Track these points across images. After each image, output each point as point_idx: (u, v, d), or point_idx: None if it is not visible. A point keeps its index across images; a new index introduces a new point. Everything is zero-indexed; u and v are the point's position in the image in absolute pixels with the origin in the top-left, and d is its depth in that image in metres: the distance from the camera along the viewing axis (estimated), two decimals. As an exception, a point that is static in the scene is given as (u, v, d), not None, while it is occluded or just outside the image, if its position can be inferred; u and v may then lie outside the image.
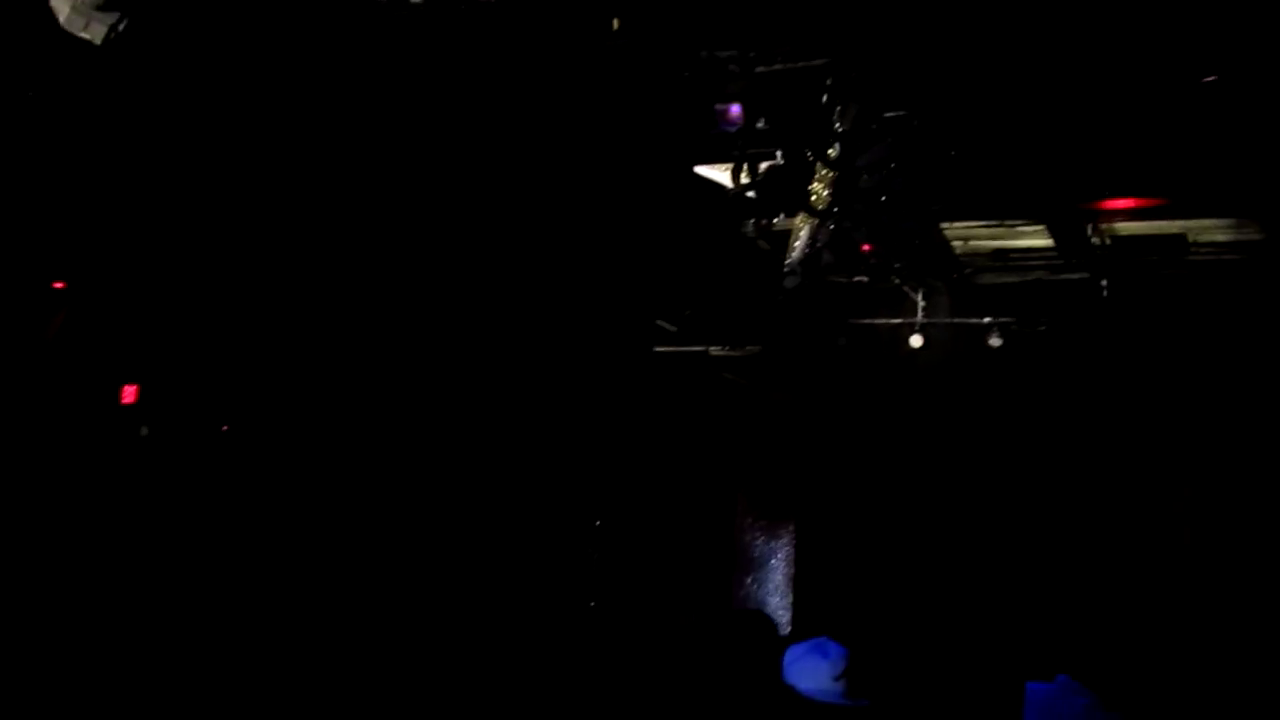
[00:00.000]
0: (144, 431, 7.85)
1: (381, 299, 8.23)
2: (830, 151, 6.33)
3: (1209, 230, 8.43)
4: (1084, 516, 9.38)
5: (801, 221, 6.82)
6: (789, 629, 9.60)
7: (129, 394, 7.74)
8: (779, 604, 10.18)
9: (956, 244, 8.79)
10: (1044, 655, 3.48)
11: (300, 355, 8.09)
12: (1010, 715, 3.04)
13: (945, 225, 8.21)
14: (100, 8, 4.81)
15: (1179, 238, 8.49)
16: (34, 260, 7.02)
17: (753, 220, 7.43)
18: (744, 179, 6.33)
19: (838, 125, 6.32)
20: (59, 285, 7.29)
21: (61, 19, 4.78)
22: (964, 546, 9.35)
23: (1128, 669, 3.44)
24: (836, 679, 3.32)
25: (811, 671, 3.34)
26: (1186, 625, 8.34)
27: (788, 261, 6.91)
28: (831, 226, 6.70)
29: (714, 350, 10.84)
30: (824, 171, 6.38)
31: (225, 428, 8.09)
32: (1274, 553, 8.97)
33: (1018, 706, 3.13)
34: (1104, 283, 8.83)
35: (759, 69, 6.18)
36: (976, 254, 9.06)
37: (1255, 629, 8.62)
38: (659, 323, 10.16)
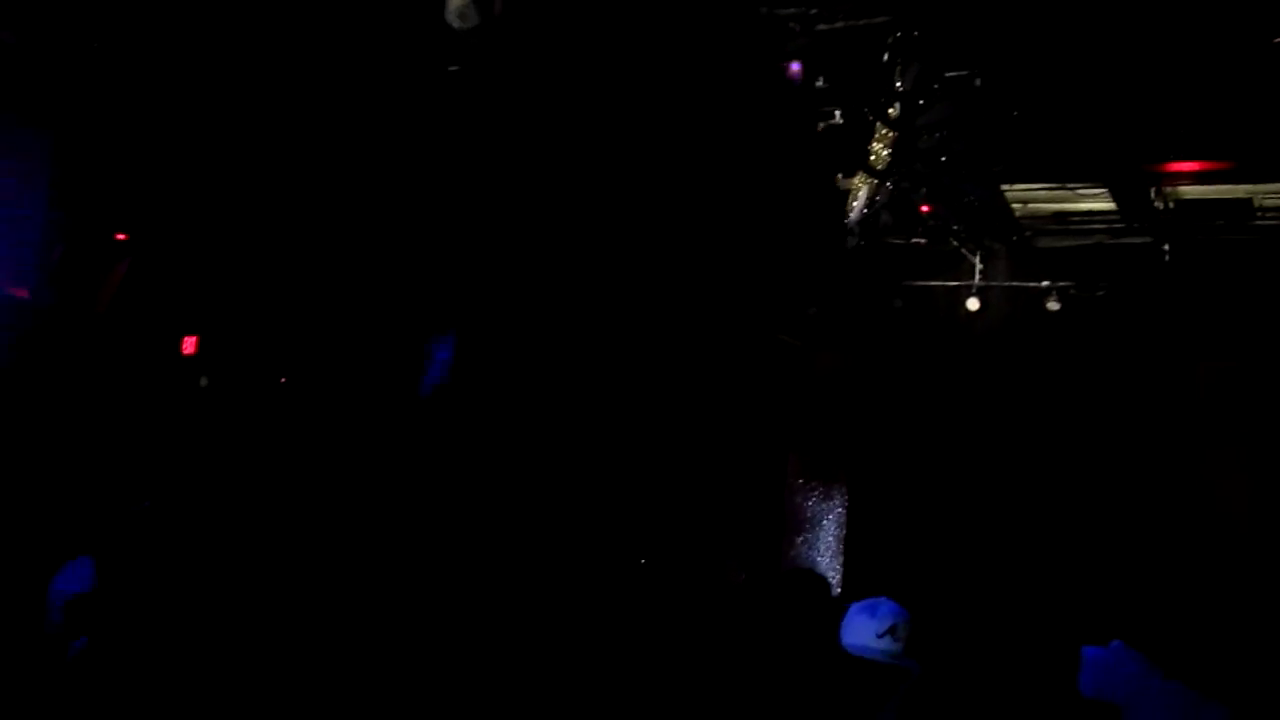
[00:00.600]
0: (204, 382, 7.96)
1: (456, 262, 8.25)
2: (890, 111, 6.27)
3: (1276, 194, 8.28)
4: (1141, 482, 9.29)
5: (860, 182, 6.77)
6: (839, 590, 9.61)
7: (189, 345, 7.85)
8: (829, 565, 10.19)
9: (1016, 206, 8.69)
10: (1099, 620, 3.46)
11: (363, 310, 8.16)
12: (1065, 679, 3.04)
13: (1006, 187, 8.11)
14: None
15: (1244, 202, 8.34)
16: (97, 211, 7.12)
17: (811, 179, 7.39)
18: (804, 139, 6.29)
19: (898, 84, 6.26)
20: (121, 237, 7.39)
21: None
22: (1018, 511, 9.28)
23: (1183, 636, 3.43)
24: (880, 636, 3.35)
25: (859, 628, 3.37)
26: (1244, 593, 8.25)
27: (847, 222, 6.86)
28: (890, 187, 6.65)
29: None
30: (884, 131, 6.32)
31: (284, 379, 8.19)
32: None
33: (1073, 670, 3.12)
34: (1166, 247, 8.70)
35: (820, 27, 6.12)
36: (1036, 217, 8.96)
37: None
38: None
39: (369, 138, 7.20)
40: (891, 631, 3.29)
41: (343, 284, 8.08)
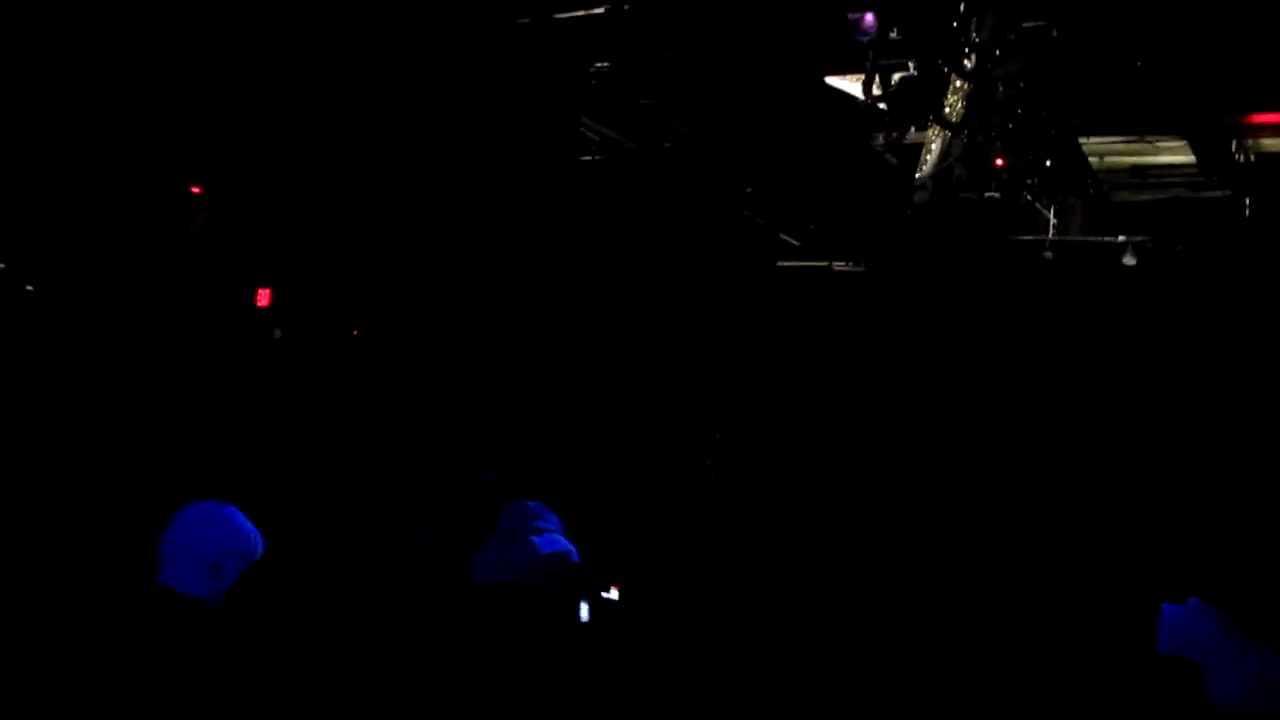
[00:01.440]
0: (277, 334, 8.09)
1: (499, 220, 8.29)
2: (966, 63, 6.19)
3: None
4: (1221, 436, 9.17)
5: (934, 135, 6.69)
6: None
7: (264, 297, 7.97)
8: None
9: (1093, 160, 8.54)
10: (1177, 578, 3.45)
11: (432, 268, 8.23)
12: (1145, 636, 3.03)
13: (1083, 140, 7.97)
14: None
15: (1329, 155, 8.16)
16: (174, 164, 7.23)
17: (882, 134, 7.31)
18: (876, 90, 6.23)
19: (974, 35, 6.17)
20: (197, 190, 7.51)
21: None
22: (1104, 464, 9.17)
23: (1259, 594, 3.42)
24: None
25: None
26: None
27: (919, 176, 6.80)
28: (965, 140, 6.57)
29: (837, 265, 10.77)
30: (959, 83, 6.24)
31: (355, 332, 8.30)
32: None
33: (1152, 627, 3.11)
34: (1247, 201, 8.52)
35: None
36: (1114, 170, 8.80)
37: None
38: (783, 236, 10.12)
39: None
40: None
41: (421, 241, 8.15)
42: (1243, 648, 3.41)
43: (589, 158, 8.23)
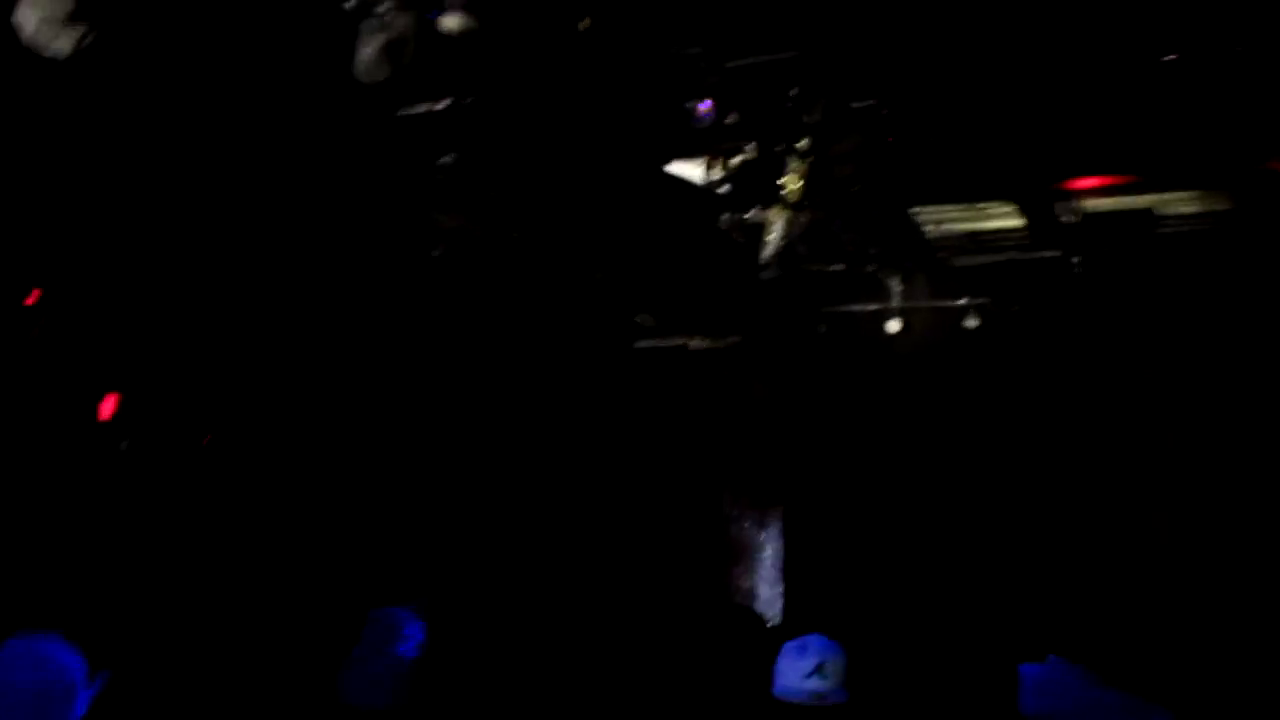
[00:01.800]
0: (124, 445, 7.81)
1: (355, 305, 8.22)
2: (800, 144, 6.38)
3: (1176, 203, 8.53)
4: (1067, 496, 9.49)
5: (776, 214, 6.87)
6: (781, 618, 9.67)
7: (108, 406, 7.70)
8: (770, 593, 10.25)
9: (929, 228, 8.85)
10: (1035, 638, 3.54)
11: (284, 362, 8.08)
12: (1006, 698, 3.10)
13: (918, 210, 8.27)
14: (69, 20, 4.73)
15: (1146, 212, 8.58)
16: (7, 269, 6.97)
17: (727, 214, 7.48)
18: (717, 174, 6.38)
19: (807, 118, 6.38)
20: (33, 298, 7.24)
21: (28, 32, 4.68)
22: (950, 530, 9.43)
23: (1117, 648, 3.52)
24: (808, 676, 3.40)
25: (788, 670, 3.42)
26: (1172, 604, 8.45)
27: (763, 254, 6.96)
28: (805, 218, 6.75)
29: (694, 343, 10.91)
30: (796, 163, 6.43)
31: (208, 439, 8.08)
32: (1255, 530, 9.10)
33: (1013, 689, 3.18)
34: (1075, 260, 8.91)
35: (728, 64, 6.22)
36: (950, 237, 9.13)
37: (1241, 607, 8.75)
38: (638, 318, 10.21)
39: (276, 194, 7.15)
40: (819, 670, 3.33)
41: (267, 336, 8.00)
42: (1110, 700, 3.51)
43: (437, 252, 8.21)
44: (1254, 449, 9.14)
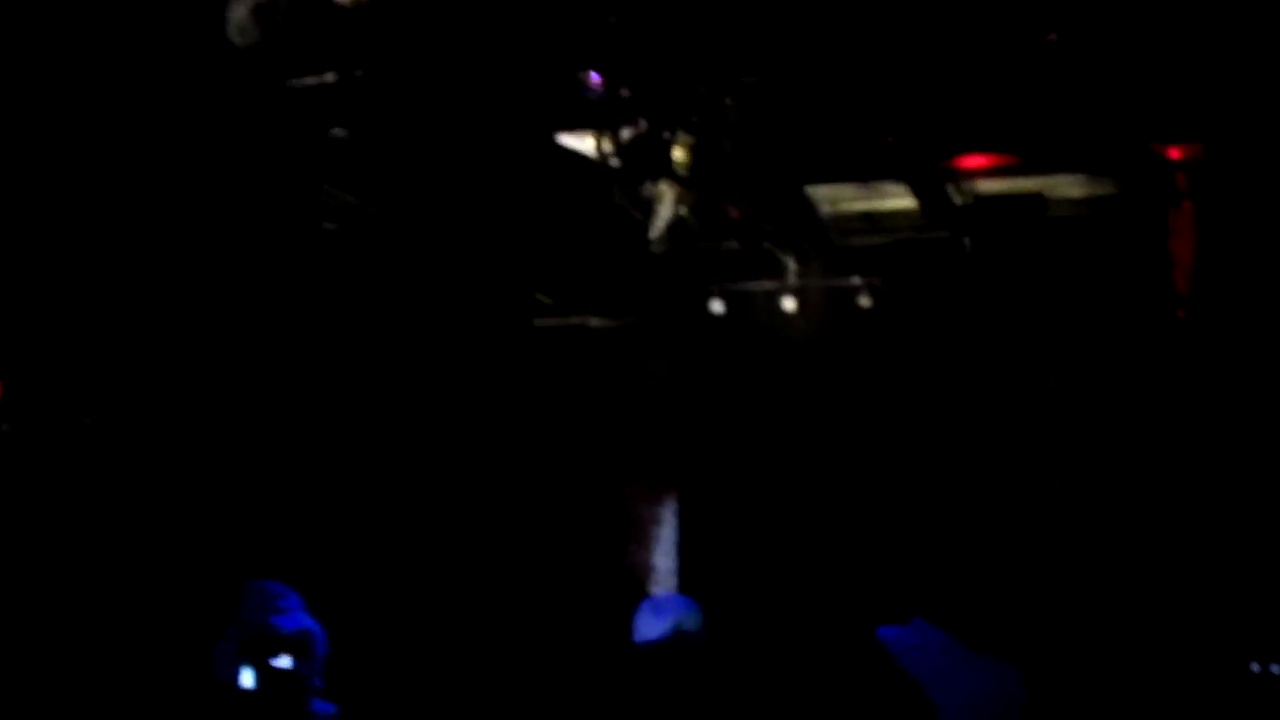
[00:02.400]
0: (4, 428, 7.60)
1: (239, 290, 8.05)
2: (692, 118, 6.39)
3: (1065, 186, 8.71)
4: (944, 463, 9.70)
5: (665, 188, 6.87)
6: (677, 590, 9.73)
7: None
8: (666, 567, 10.31)
9: (825, 207, 8.93)
10: (900, 602, 3.60)
11: (162, 346, 7.89)
12: (868, 659, 3.13)
13: (812, 188, 8.33)
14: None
15: (1036, 195, 8.75)
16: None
17: (618, 189, 7.47)
18: (607, 148, 6.36)
19: (698, 92, 6.39)
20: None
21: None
22: (840, 502, 9.53)
23: (980, 612, 3.61)
24: (663, 632, 3.43)
25: (642, 627, 3.45)
26: (1041, 570, 8.66)
27: (654, 228, 6.96)
28: (694, 193, 6.77)
29: (594, 322, 10.88)
30: (684, 138, 6.43)
31: (89, 420, 7.88)
32: (1131, 497, 9.34)
33: (875, 651, 3.21)
34: (966, 240, 9.04)
35: (620, 38, 6.21)
36: (845, 216, 9.22)
37: (1106, 572, 8.99)
38: (538, 296, 10.16)
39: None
40: (676, 627, 3.36)
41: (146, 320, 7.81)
42: (967, 660, 3.57)
43: (331, 226, 8.08)
44: (1131, 426, 9.37)
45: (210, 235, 7.72)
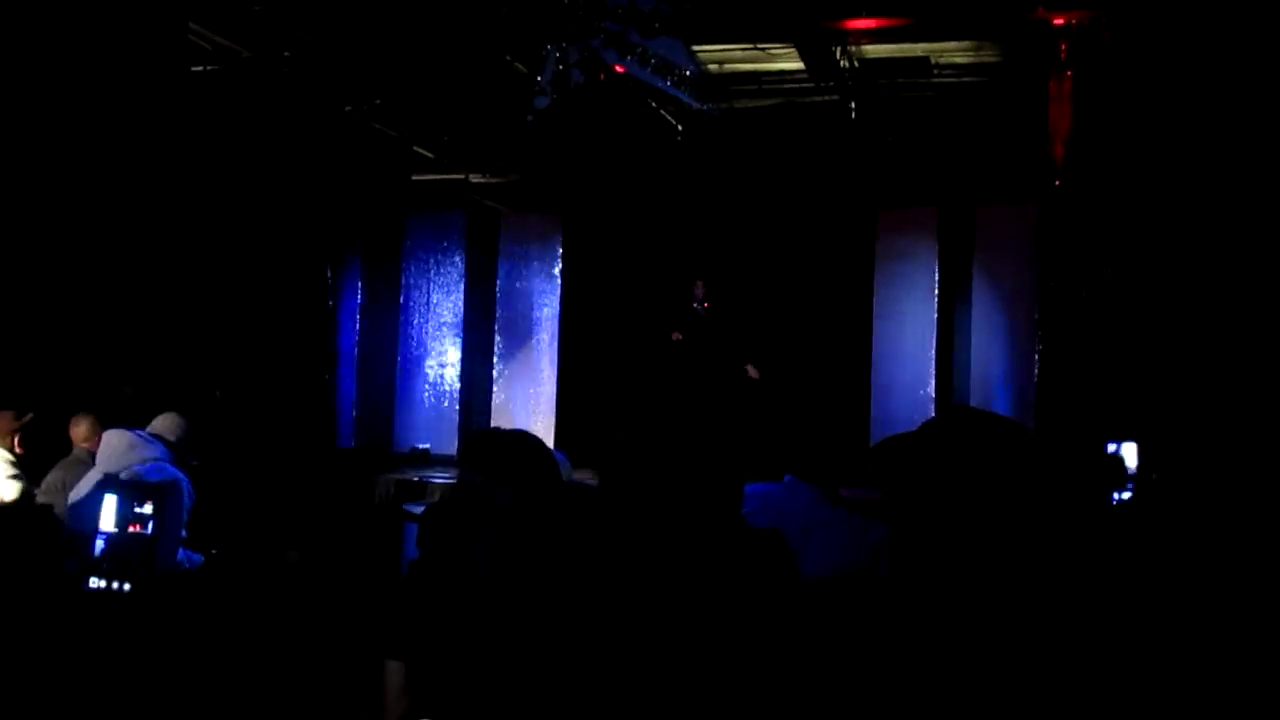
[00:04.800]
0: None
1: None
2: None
3: (951, 52, 8.69)
4: (830, 322, 9.98)
5: (550, 44, 6.71)
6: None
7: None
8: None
9: (713, 67, 8.80)
10: (778, 462, 3.66)
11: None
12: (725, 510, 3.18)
13: (699, 48, 8.17)
14: None
15: (922, 59, 8.72)
16: None
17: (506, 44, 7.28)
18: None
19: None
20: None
21: None
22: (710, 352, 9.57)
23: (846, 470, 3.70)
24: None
25: None
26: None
27: (538, 81, 6.80)
28: (581, 47, 6.62)
29: (474, 178, 10.70)
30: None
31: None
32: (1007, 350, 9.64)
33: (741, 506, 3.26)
34: (852, 105, 9.02)
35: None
36: (732, 76, 9.11)
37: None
38: (416, 149, 9.92)
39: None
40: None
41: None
42: (835, 516, 3.67)
43: (200, 69, 7.73)
44: (1007, 288, 9.61)
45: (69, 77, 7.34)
